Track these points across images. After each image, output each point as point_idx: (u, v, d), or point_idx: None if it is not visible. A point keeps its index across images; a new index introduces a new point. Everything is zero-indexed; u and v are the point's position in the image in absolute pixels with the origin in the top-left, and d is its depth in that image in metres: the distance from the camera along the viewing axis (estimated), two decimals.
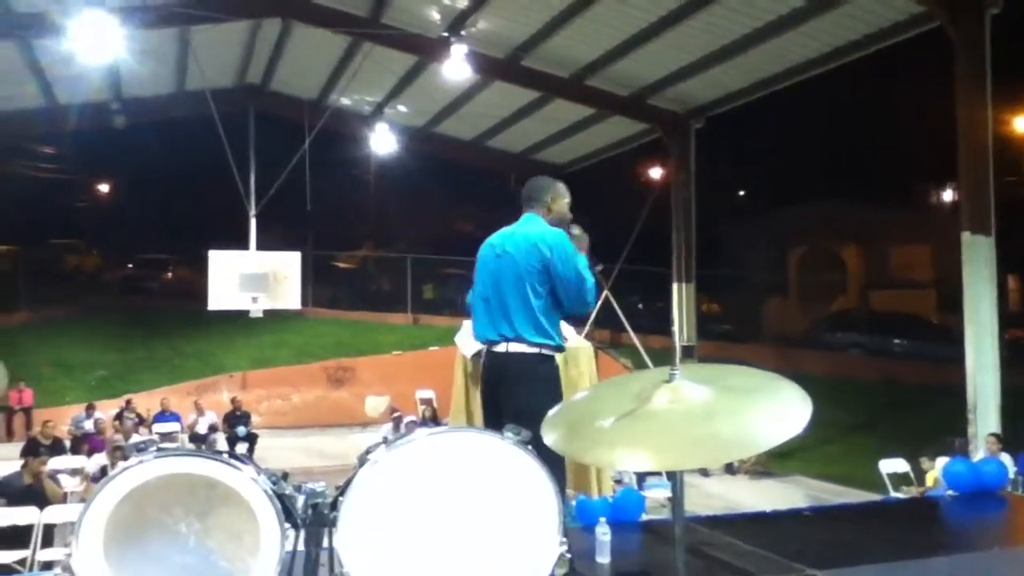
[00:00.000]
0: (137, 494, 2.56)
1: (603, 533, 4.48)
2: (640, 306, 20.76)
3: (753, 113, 14.28)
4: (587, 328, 16.45)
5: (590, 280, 3.63)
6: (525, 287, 3.68)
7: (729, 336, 22.68)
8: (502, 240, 3.87)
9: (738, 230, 26.01)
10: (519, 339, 3.68)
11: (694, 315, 13.97)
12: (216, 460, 2.71)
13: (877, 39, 10.32)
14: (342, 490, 2.65)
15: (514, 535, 2.55)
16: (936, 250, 23.97)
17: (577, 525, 6.27)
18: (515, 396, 3.66)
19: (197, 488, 2.63)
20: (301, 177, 15.50)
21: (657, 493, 8.56)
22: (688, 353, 13.30)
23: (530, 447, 2.70)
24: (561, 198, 3.96)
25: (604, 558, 4.45)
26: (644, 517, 6.70)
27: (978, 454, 7.96)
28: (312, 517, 2.83)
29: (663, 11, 10.63)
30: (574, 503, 6.70)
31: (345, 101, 15.16)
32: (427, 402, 12.32)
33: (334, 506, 2.67)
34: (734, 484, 11.33)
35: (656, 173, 19.17)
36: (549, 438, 2.67)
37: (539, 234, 3.76)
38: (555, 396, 3.60)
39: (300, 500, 2.85)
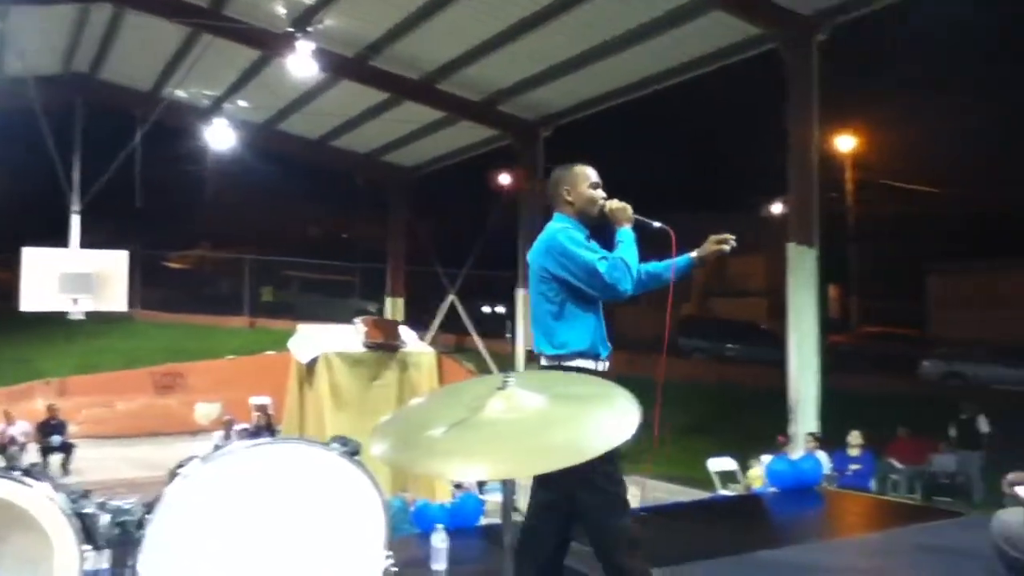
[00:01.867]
0: None
1: (439, 540, 4.42)
2: (488, 311, 20.89)
3: (601, 124, 14.63)
4: (432, 332, 16.38)
5: (605, 265, 3.31)
6: (540, 297, 3.46)
7: None
8: (535, 247, 3.57)
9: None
10: (540, 352, 3.48)
11: None
12: (5, 478, 2.47)
13: (718, 57, 10.76)
14: (150, 507, 2.47)
15: (338, 550, 2.48)
16: (770, 260, 25.43)
17: (415, 531, 6.19)
18: None
19: None
20: (131, 172, 14.60)
21: (498, 497, 8.56)
22: (532, 358, 13.40)
23: (358, 458, 2.59)
24: (580, 183, 3.60)
25: (440, 565, 4.40)
26: (484, 521, 6.70)
27: (798, 452, 8.40)
28: (118, 536, 2.63)
29: (514, 18, 10.69)
30: (413, 509, 6.60)
31: (181, 93, 14.40)
32: (262, 409, 11.86)
33: (141, 524, 2.49)
34: None
35: (506, 179, 19.35)
36: (378, 448, 2.56)
37: (542, 238, 3.52)
38: None
39: (104, 519, 2.64)
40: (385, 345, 7.03)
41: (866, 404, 13.11)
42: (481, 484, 8.78)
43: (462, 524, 6.17)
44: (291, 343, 7.66)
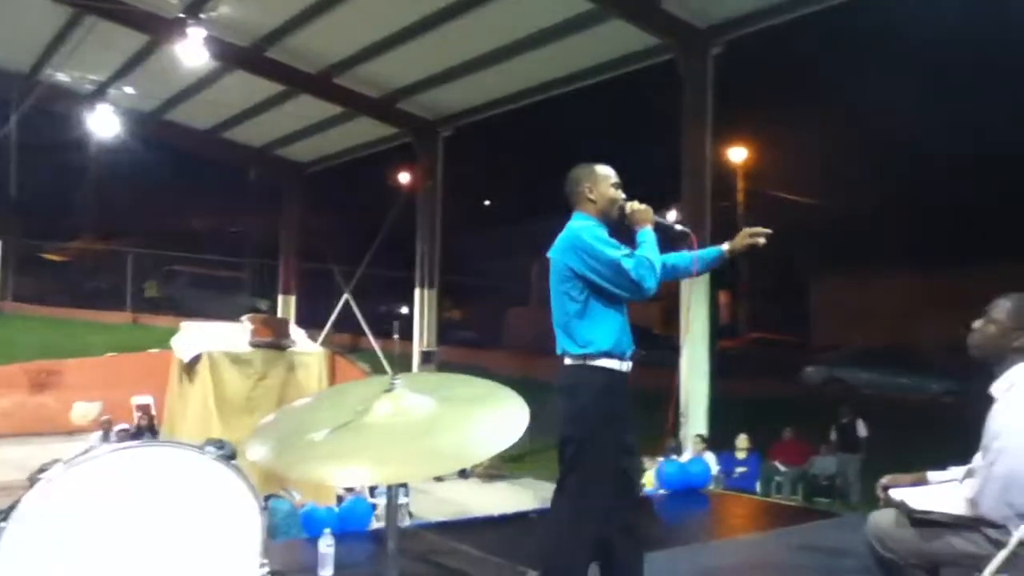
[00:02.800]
0: None
1: (326, 545, 4.31)
2: (383, 310, 20.64)
3: (503, 125, 14.66)
4: (326, 331, 16.08)
5: (631, 262, 3.30)
6: (563, 296, 3.40)
7: (472, 343, 23.19)
8: (552, 248, 3.55)
9: (484, 239, 26.73)
10: (564, 352, 3.40)
11: (436, 321, 14.05)
12: None
13: (616, 65, 10.95)
14: (5, 515, 2.30)
15: (212, 558, 2.36)
16: None
17: (303, 536, 6.04)
18: (558, 414, 3.37)
19: None
20: (6, 158, 13.81)
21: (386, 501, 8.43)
22: (428, 359, 13.34)
23: (233, 462, 2.47)
24: (602, 181, 3.59)
25: (326, 570, 4.29)
26: (376, 525, 6.58)
27: (686, 455, 8.58)
28: None
29: (415, 16, 10.60)
30: (301, 513, 6.44)
31: (62, 77, 13.70)
32: (144, 409, 11.38)
33: None
34: (467, 488, 11.46)
35: (405, 178, 19.17)
36: (256, 451, 2.44)
37: (565, 236, 3.48)
38: (599, 406, 3.31)
39: None
40: (273, 344, 6.82)
41: (753, 408, 13.51)
42: (372, 488, 8.64)
43: (352, 528, 6.05)
44: (174, 340, 7.35)
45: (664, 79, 10.46)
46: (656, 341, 23.17)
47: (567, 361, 3.39)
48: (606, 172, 3.62)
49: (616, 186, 3.59)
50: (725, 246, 3.74)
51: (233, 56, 12.18)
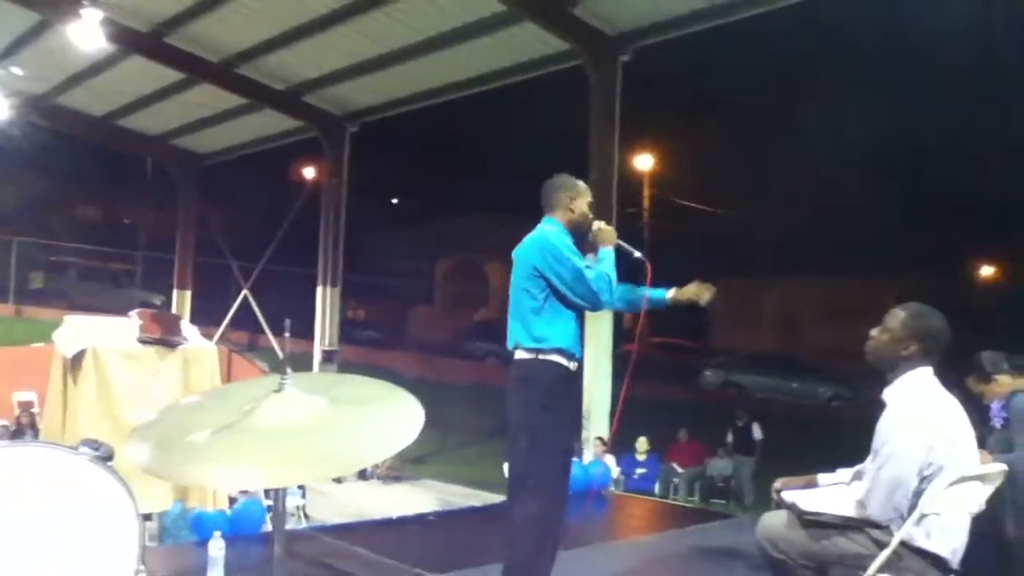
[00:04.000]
0: None
1: (216, 548, 4.16)
2: (283, 308, 20.21)
3: (411, 124, 14.54)
4: (222, 328, 15.61)
5: (592, 273, 3.59)
6: (523, 293, 3.59)
7: (375, 343, 22.92)
8: (523, 247, 3.75)
9: (390, 238, 26.47)
10: (518, 346, 3.60)
11: (337, 320, 13.79)
12: None
13: (526, 69, 10.92)
14: None
15: (87, 564, 2.24)
16: None
17: (193, 539, 5.83)
18: (508, 404, 3.59)
19: None
20: None
21: (289, 501, 8.22)
22: (329, 358, 13.10)
23: (110, 464, 2.34)
24: (582, 196, 3.90)
25: (215, 575, 4.14)
26: (269, 528, 6.39)
27: (587, 457, 8.64)
28: None
29: (323, 9, 10.38)
30: (191, 516, 6.22)
31: None
32: (26, 406, 10.85)
33: None
34: (367, 490, 11.32)
35: (309, 173, 18.78)
36: (135, 453, 2.30)
37: (534, 237, 3.67)
38: (553, 395, 3.53)
39: None
40: (163, 340, 6.53)
41: (653, 410, 13.76)
42: (268, 490, 8.41)
43: (244, 531, 5.88)
44: (56, 334, 6.97)
45: (574, 84, 10.54)
46: None
47: (519, 355, 3.62)
48: (587, 190, 3.95)
49: (591, 206, 3.93)
50: (671, 293, 4.09)
51: (131, 41, 11.68)
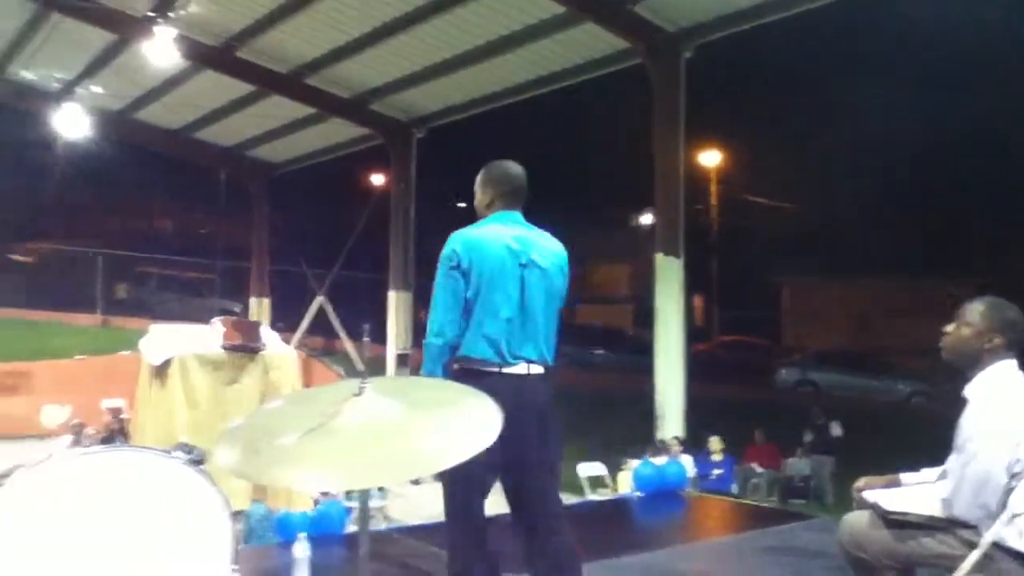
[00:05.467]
0: None
1: (302, 549, 4.25)
2: (355, 312, 20.53)
3: (475, 128, 14.62)
4: (300, 334, 15.93)
5: None
6: (556, 310, 3.33)
7: None
8: (524, 246, 3.33)
9: None
10: (543, 360, 3.26)
11: (410, 324, 13.94)
12: None
13: (588, 69, 10.94)
14: None
15: (181, 564, 2.30)
16: (635, 269, 26.10)
17: (278, 541, 5.97)
18: (550, 412, 3.29)
19: None
20: None
21: (370, 503, 8.35)
22: (403, 361, 13.25)
23: (203, 467, 2.42)
24: None
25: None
26: (352, 529, 6.51)
27: (663, 457, 8.58)
28: None
29: (386, 17, 10.56)
30: (275, 518, 6.37)
31: (28, 75, 13.49)
32: (115, 413, 11.23)
33: None
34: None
35: (378, 179, 19.06)
36: (224, 456, 2.38)
37: (561, 252, 3.44)
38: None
39: None
40: (244, 347, 6.72)
41: (725, 411, 13.57)
42: (349, 491, 8.56)
43: (327, 532, 5.99)
44: (142, 343, 7.24)
45: (637, 82, 10.48)
46: (628, 343, 23.34)
47: (544, 371, 3.29)
48: None
49: None
50: None
51: (203, 56, 12.06)
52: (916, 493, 2.95)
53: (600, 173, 24.65)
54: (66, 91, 14.00)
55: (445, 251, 3.28)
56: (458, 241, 3.27)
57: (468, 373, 3.12)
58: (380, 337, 13.76)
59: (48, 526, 2.20)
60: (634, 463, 8.39)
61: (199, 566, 2.32)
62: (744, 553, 5.38)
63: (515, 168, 3.54)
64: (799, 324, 25.77)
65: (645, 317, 13.36)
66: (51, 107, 13.86)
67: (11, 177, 21.04)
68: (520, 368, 3.22)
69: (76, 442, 10.28)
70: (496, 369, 3.19)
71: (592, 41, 10.23)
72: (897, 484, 3.09)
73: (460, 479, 3.28)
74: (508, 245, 3.29)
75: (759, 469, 11.31)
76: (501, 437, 2.98)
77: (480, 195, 3.50)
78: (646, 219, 23.94)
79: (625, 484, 8.57)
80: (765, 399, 17.95)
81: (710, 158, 25.03)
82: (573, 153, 25.18)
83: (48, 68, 13.38)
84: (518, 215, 3.46)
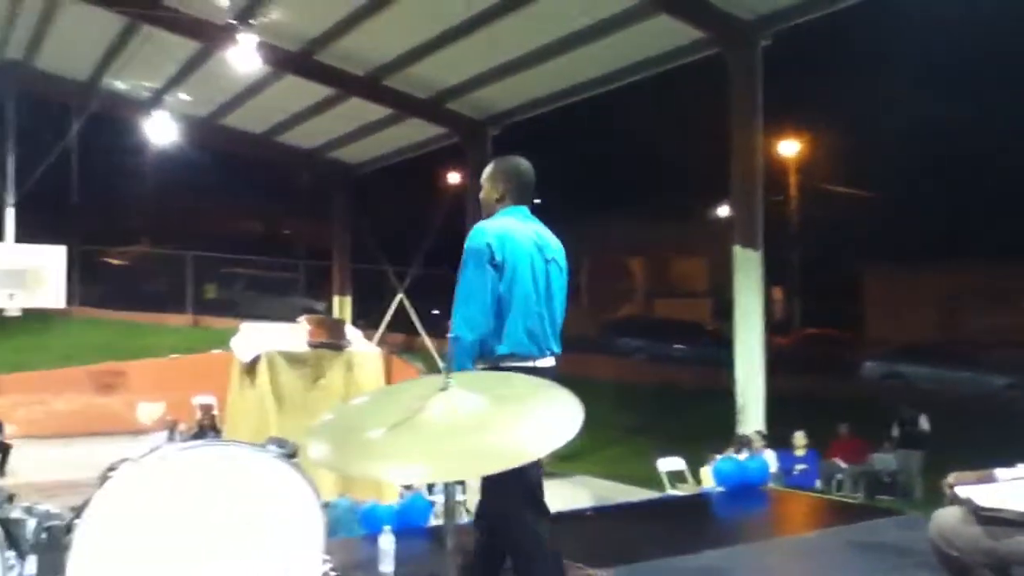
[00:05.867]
0: None
1: (387, 542, 4.36)
2: (436, 311, 20.81)
3: (550, 124, 14.64)
4: (381, 332, 16.22)
5: None
6: (564, 300, 3.45)
7: None
8: (543, 241, 3.41)
9: None
10: (552, 353, 3.37)
11: None
12: None
13: (663, 61, 10.85)
14: (79, 511, 2.37)
15: (275, 554, 2.39)
16: (713, 262, 25.75)
17: (363, 533, 6.11)
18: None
19: None
20: (68, 165, 14.24)
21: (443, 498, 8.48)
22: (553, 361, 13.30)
23: (295, 460, 2.52)
24: None
25: (387, 567, 4.34)
26: (434, 522, 6.63)
27: (744, 452, 8.49)
28: (45, 542, 2.54)
29: (461, 17, 10.64)
30: (360, 511, 6.51)
31: (120, 85, 14.05)
32: (206, 409, 11.64)
33: (69, 529, 2.40)
34: None
35: (454, 177, 19.26)
36: (314, 450, 2.48)
37: (562, 248, 3.51)
38: None
39: (30, 524, 2.56)
40: (329, 344, 6.91)
41: (808, 405, 13.32)
42: (430, 485, 8.70)
43: (410, 525, 6.11)
44: (233, 341, 7.50)
45: (713, 73, 10.36)
46: (707, 337, 23.04)
47: (553, 363, 3.36)
48: None
49: None
50: None
51: (283, 61, 12.35)
52: (1012, 489, 2.88)
53: (675, 166, 24.36)
54: (155, 99, 14.54)
55: (475, 244, 3.28)
56: (490, 235, 3.28)
57: (510, 367, 3.13)
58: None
59: (152, 515, 2.31)
60: (715, 458, 8.33)
61: (292, 555, 2.42)
62: (829, 550, 5.29)
63: (524, 163, 3.58)
64: (883, 315, 25.01)
65: (723, 311, 13.20)
66: (142, 115, 14.42)
67: (105, 184, 21.96)
68: (548, 361, 3.31)
69: (170, 438, 10.69)
70: (532, 363, 3.22)
71: (667, 32, 10.14)
72: (991, 480, 3.01)
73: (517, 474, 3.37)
74: (534, 240, 3.35)
75: (844, 464, 11.08)
76: None
77: (489, 189, 3.53)
78: (723, 211, 23.63)
79: (706, 479, 8.51)
80: (849, 393, 17.52)
81: (788, 147, 24.51)
82: (648, 147, 24.93)
83: (138, 78, 13.91)
84: (527, 210, 3.50)
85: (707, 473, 8.43)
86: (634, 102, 17.41)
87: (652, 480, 10.08)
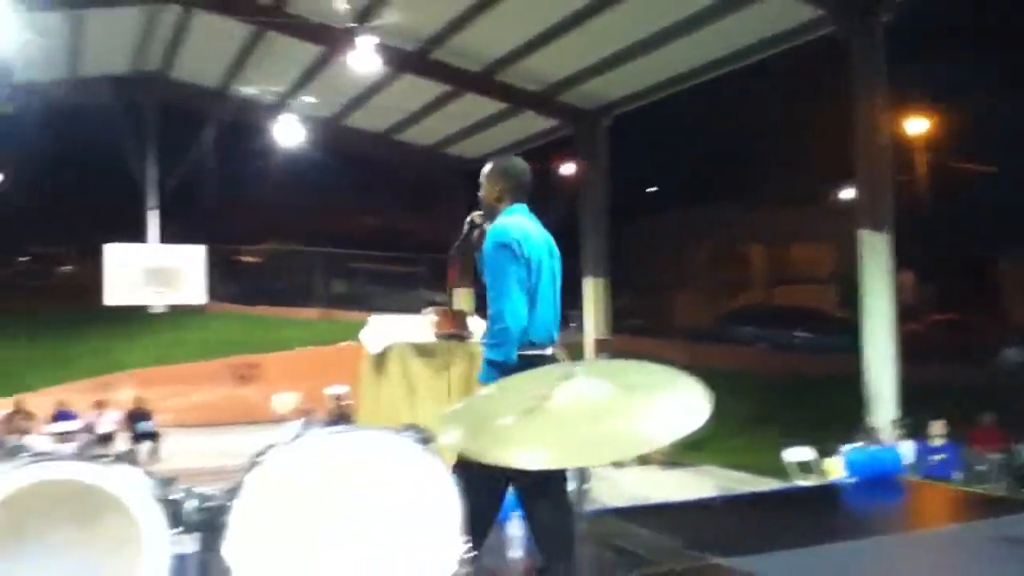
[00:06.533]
0: (9, 502, 2.40)
1: (515, 528, 4.44)
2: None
3: (663, 111, 14.48)
4: None
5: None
6: (559, 290, 3.69)
7: (640, 330, 23.07)
8: (546, 239, 3.68)
9: (650, 226, 26.49)
10: (552, 342, 3.62)
11: (607, 310, 14.04)
12: (96, 465, 2.57)
13: (780, 41, 10.60)
14: (233, 493, 2.53)
15: (416, 535, 2.48)
16: (837, 247, 24.84)
17: None
18: None
19: (77, 495, 2.48)
20: (203, 169, 15.03)
21: (571, 486, 8.53)
22: (604, 347, 13.38)
23: (432, 446, 2.62)
24: None
25: (516, 553, 4.42)
26: None
27: (876, 442, 8.22)
28: (204, 522, 2.72)
29: (573, 7, 10.67)
30: None
31: (249, 91, 14.73)
32: (339, 398, 12.09)
33: (224, 510, 2.56)
34: (646, 475, 11.43)
35: (568, 169, 19.28)
36: (448, 436, 2.58)
37: (552, 240, 3.75)
38: None
39: (190, 504, 2.74)
40: (455, 335, 7.04)
41: (942, 393, 12.74)
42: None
43: None
44: (362, 334, 7.76)
45: (833, 52, 10.02)
46: (831, 324, 22.27)
47: (556, 350, 3.57)
48: None
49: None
50: None
51: (401, 60, 12.68)
52: None
53: (795, 150, 23.64)
54: (282, 103, 15.15)
55: (503, 240, 3.49)
56: (514, 231, 3.51)
57: (529, 357, 3.38)
58: (577, 323, 13.96)
59: (299, 497, 2.44)
60: (844, 447, 8.09)
61: (432, 536, 2.51)
62: (971, 543, 5.07)
63: (521, 163, 3.84)
64: (1021, 300, 23.58)
65: (849, 297, 12.76)
66: (269, 119, 15.06)
67: (238, 186, 23.05)
68: (552, 350, 3.54)
69: (305, 427, 11.16)
70: (544, 351, 3.49)
71: (781, 13, 9.90)
72: None
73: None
74: (543, 236, 3.61)
75: (986, 455, 10.55)
76: None
77: (488, 188, 3.79)
78: (847, 194, 22.77)
79: (835, 469, 8.27)
80: (987, 381, 16.62)
81: (916, 125, 23.38)
82: (765, 131, 24.28)
83: (265, 83, 14.55)
84: (527, 207, 3.72)
85: (836, 463, 8.19)
86: (750, 86, 17.02)
87: (777, 470, 9.87)
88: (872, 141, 9.12)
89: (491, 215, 3.72)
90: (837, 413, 10.58)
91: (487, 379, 3.40)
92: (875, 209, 9.11)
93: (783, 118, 23.03)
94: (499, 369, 3.37)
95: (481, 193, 3.81)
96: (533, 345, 3.47)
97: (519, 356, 3.40)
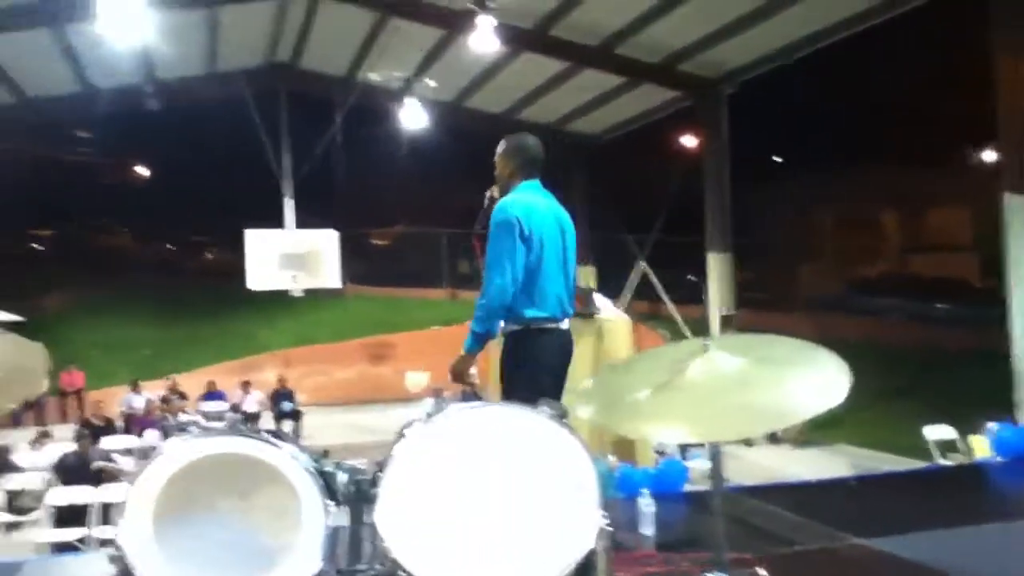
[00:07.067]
0: (181, 473, 2.61)
1: (646, 504, 4.48)
2: (677, 276, 20.65)
3: (786, 77, 14.00)
4: (627, 300, 16.37)
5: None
6: (574, 265, 3.84)
7: (765, 304, 22.49)
8: (559, 212, 3.81)
9: (773, 196, 25.63)
10: (566, 315, 3.77)
11: (731, 284, 13.75)
12: (257, 439, 2.76)
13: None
14: (381, 466, 2.65)
15: (554, 508, 2.54)
16: (977, 212, 23.45)
17: (620, 496, 6.28)
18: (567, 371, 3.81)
19: (240, 467, 2.69)
20: (333, 155, 15.52)
21: (700, 463, 8.48)
22: (728, 322, 13.13)
23: (566, 421, 2.69)
24: None
25: (648, 529, 4.46)
26: (687, 488, 6.69)
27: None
28: (355, 494, 2.88)
29: None
30: (617, 474, 6.70)
31: (374, 77, 15.07)
32: (469, 377, 12.38)
33: (374, 482, 2.68)
34: (778, 454, 11.23)
35: (689, 141, 18.95)
36: (584, 411, 2.65)
37: (568, 216, 3.89)
38: None
39: (342, 477, 2.90)
40: (581, 313, 7.10)
41: None
42: (684, 450, 8.75)
43: (666, 490, 6.18)
44: None
45: (967, 5, 9.44)
46: (974, 295, 21.05)
47: (570, 324, 3.71)
48: None
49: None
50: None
51: (520, 39, 12.68)
52: None
53: (930, 110, 22.37)
54: (405, 88, 15.44)
55: (504, 217, 3.58)
56: (517, 209, 3.59)
57: (537, 331, 3.60)
58: (695, 299, 13.74)
59: (441, 470, 2.55)
60: (991, 426, 7.70)
61: (570, 509, 2.57)
62: None
63: (532, 139, 3.90)
64: None
65: (992, 265, 12.07)
66: (394, 104, 15.39)
67: (366, 171, 23.65)
68: (567, 323, 3.67)
69: (437, 404, 11.48)
70: (555, 325, 3.63)
71: None
72: None
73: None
74: (553, 212, 3.71)
75: None
76: (558, 383, 3.56)
77: (501, 165, 3.88)
78: (988, 156, 21.40)
79: (980, 448, 7.90)
80: None
81: None
82: (897, 92, 23.06)
83: (389, 69, 14.84)
84: (539, 183, 3.81)
85: (981, 442, 7.82)
86: (877, 45, 16.21)
87: (916, 449, 9.50)
88: (1017, 100, 8.56)
89: (505, 190, 3.84)
90: (981, 389, 10.09)
91: (470, 348, 3.65)
92: (1020, 171, 8.57)
93: (917, 74, 21.85)
94: (480, 340, 3.61)
95: (496, 172, 3.95)
96: (539, 320, 3.60)
97: (529, 329, 3.60)
